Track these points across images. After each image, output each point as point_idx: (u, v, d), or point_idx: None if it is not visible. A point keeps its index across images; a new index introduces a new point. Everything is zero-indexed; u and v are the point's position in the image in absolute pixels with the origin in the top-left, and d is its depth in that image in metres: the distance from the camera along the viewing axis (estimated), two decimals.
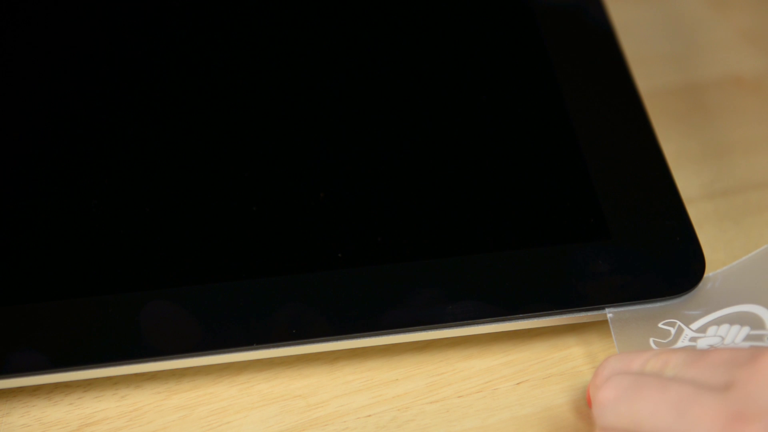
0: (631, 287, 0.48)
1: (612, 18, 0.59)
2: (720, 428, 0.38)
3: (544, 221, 0.50)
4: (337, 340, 0.47)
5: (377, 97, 0.56)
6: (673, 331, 0.47)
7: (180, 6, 0.60)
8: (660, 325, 0.47)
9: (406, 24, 0.59)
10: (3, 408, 0.47)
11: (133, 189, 0.51)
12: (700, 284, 0.48)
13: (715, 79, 0.62)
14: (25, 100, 0.55)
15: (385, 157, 0.53)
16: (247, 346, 0.46)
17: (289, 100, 0.55)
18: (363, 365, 0.49)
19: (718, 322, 0.47)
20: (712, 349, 0.42)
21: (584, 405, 0.47)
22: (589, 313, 0.48)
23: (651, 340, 0.47)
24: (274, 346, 0.47)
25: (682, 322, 0.47)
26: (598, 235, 0.50)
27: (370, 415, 0.47)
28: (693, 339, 0.47)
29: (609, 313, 0.48)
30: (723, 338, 0.46)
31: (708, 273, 0.49)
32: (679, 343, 0.46)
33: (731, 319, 0.47)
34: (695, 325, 0.47)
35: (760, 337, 0.46)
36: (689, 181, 0.56)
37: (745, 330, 0.46)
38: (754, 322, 0.46)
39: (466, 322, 0.47)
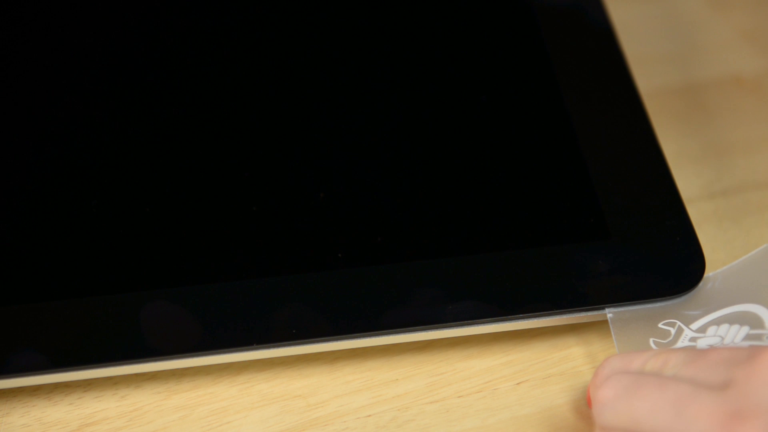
0: (631, 287, 0.48)
1: (612, 18, 0.59)
2: (718, 426, 0.38)
3: (544, 221, 0.50)
4: (337, 340, 0.47)
5: (377, 97, 0.56)
6: (673, 331, 0.47)
7: (180, 6, 0.60)
8: (660, 325, 0.47)
9: (406, 24, 0.59)
10: (3, 408, 0.47)
11: (133, 189, 0.51)
12: (700, 284, 0.48)
13: (715, 79, 0.62)
14: (25, 100, 0.55)
15: (385, 157, 0.53)
16: (247, 346, 0.46)
17: (289, 100, 0.55)
18: (363, 365, 0.49)
19: (717, 322, 0.47)
20: (711, 349, 0.42)
21: (584, 405, 0.47)
22: (589, 313, 0.48)
23: (651, 340, 0.47)
24: (274, 346, 0.47)
25: (682, 322, 0.47)
26: (598, 235, 0.50)
27: (370, 415, 0.47)
28: (693, 339, 0.47)
29: (609, 313, 0.48)
30: (723, 338, 0.46)
31: (708, 273, 0.49)
32: (679, 343, 0.46)
33: (731, 319, 0.47)
34: (695, 325, 0.47)
35: (759, 337, 0.46)
36: (689, 181, 0.56)
37: (745, 329, 0.46)
38: (753, 321, 0.46)
39: (466, 322, 0.47)
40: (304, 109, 0.55)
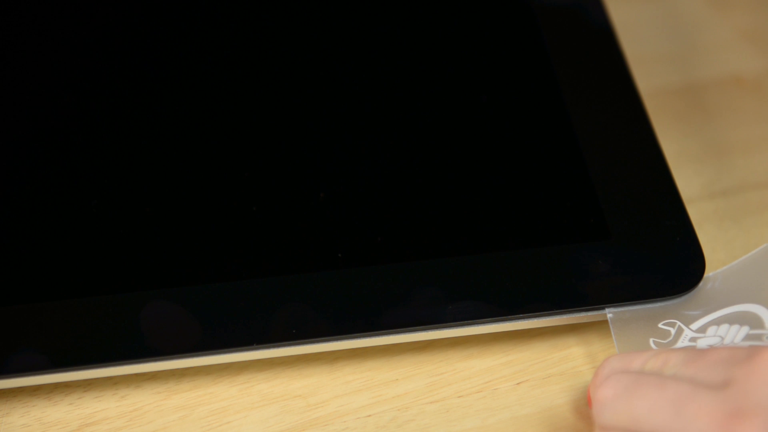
0: (631, 287, 0.48)
1: (612, 18, 0.59)
2: (717, 426, 0.38)
3: (545, 221, 0.50)
4: (337, 340, 0.47)
5: (377, 97, 0.56)
6: (673, 331, 0.47)
7: (181, 6, 0.60)
8: (660, 325, 0.47)
9: (406, 24, 0.59)
10: (3, 408, 0.47)
11: (133, 189, 0.51)
12: (700, 284, 0.48)
13: (715, 79, 0.62)
14: (25, 99, 0.55)
15: (385, 157, 0.53)
16: (247, 346, 0.46)
17: (289, 100, 0.55)
18: (363, 365, 0.49)
19: (717, 322, 0.47)
20: (710, 348, 0.42)
21: (584, 405, 0.47)
22: (589, 313, 0.48)
23: (651, 340, 0.47)
24: (274, 346, 0.47)
25: (682, 323, 0.47)
26: (598, 235, 0.50)
27: (370, 415, 0.47)
28: (693, 339, 0.47)
29: (609, 313, 0.48)
30: (723, 338, 0.46)
31: (708, 273, 0.49)
32: (679, 344, 0.46)
33: (731, 319, 0.47)
34: (695, 325, 0.47)
35: (759, 337, 0.46)
36: (689, 181, 0.56)
37: (745, 329, 0.46)
38: (753, 321, 0.46)
39: (466, 322, 0.47)
40: (304, 109, 0.55)
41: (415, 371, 0.48)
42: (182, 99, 0.55)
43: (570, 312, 0.48)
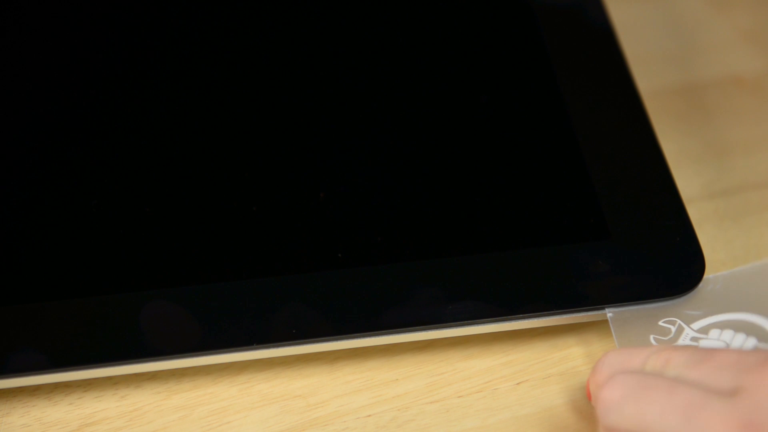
0: (631, 287, 0.48)
1: (612, 18, 0.59)
2: None
3: (545, 221, 0.50)
4: (337, 340, 0.47)
5: (377, 97, 0.56)
6: (673, 329, 0.47)
7: (181, 5, 0.60)
8: (660, 323, 0.47)
9: (406, 24, 0.59)
10: (3, 408, 0.47)
11: (133, 189, 0.51)
12: (701, 285, 0.48)
13: (715, 79, 0.62)
14: (25, 99, 0.55)
15: (385, 157, 0.53)
16: (247, 346, 0.46)
17: (289, 100, 0.55)
18: (363, 365, 0.49)
19: (720, 326, 0.47)
20: (716, 350, 0.42)
21: (584, 405, 0.47)
22: (589, 313, 0.48)
23: (651, 337, 0.47)
24: (274, 346, 0.47)
25: (683, 321, 0.47)
26: (598, 235, 0.50)
27: (370, 415, 0.47)
28: (694, 339, 0.46)
29: (609, 313, 0.48)
30: (728, 344, 0.46)
31: (708, 273, 0.49)
32: (680, 342, 0.46)
33: (735, 326, 0.46)
34: (696, 325, 0.47)
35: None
36: (689, 181, 0.56)
37: (752, 341, 0.46)
38: (759, 333, 0.46)
39: (466, 322, 0.47)
40: (304, 109, 0.55)
41: (415, 371, 0.48)
42: (182, 99, 0.55)
43: (570, 312, 0.48)
